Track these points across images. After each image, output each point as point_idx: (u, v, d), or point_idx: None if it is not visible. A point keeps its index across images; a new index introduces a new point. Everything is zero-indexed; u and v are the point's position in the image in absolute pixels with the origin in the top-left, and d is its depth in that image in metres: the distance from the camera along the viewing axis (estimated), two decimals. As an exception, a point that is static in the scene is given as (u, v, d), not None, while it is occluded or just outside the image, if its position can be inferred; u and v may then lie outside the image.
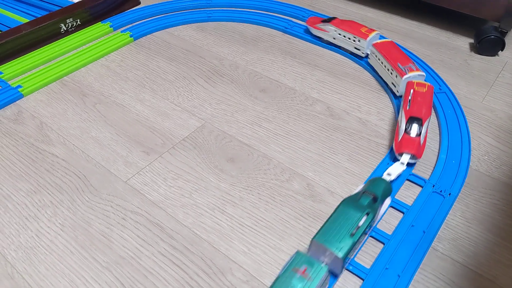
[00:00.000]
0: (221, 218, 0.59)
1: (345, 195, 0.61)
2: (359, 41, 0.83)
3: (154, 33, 0.95)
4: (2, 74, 0.81)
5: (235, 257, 0.54)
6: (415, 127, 0.65)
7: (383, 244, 0.55)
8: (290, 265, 0.48)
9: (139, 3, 1.04)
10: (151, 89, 0.80)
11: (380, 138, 0.71)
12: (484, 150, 0.68)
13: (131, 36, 0.91)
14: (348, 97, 0.78)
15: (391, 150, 0.67)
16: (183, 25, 0.97)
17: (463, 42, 0.93)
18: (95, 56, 0.85)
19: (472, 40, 0.93)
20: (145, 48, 0.90)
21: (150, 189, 0.62)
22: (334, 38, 0.88)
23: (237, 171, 0.65)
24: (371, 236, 0.56)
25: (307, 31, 0.93)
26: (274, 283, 0.47)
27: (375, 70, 0.82)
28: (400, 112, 0.69)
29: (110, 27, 0.93)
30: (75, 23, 0.91)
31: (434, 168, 0.65)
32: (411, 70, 0.74)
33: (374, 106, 0.76)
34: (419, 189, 0.62)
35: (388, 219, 0.58)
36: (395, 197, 0.61)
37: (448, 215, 0.59)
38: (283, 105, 0.77)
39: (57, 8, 0.92)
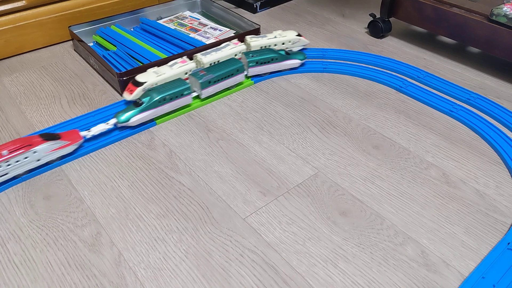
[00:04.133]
0: (333, 272, 0.60)
1: (462, 270, 0.60)
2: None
3: (272, 78, 1.01)
4: (139, 101, 0.91)
5: (351, 316, 0.55)
6: None
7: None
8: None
9: (258, 48, 1.12)
10: (268, 132, 0.85)
11: (499, 214, 0.68)
12: None
13: (252, 79, 0.98)
14: (464, 166, 0.77)
15: (511, 229, 0.65)
16: (300, 73, 1.03)
17: None
18: (220, 94, 0.93)
19: None
20: (264, 92, 0.97)
21: (266, 230, 0.66)
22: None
23: (350, 226, 0.66)
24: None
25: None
26: None
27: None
28: None
29: (233, 68, 1.02)
30: (203, 62, 1.01)
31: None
32: None
33: (493, 179, 0.74)
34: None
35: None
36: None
37: None
38: (397, 165, 0.77)
39: (189, 47, 1.03)
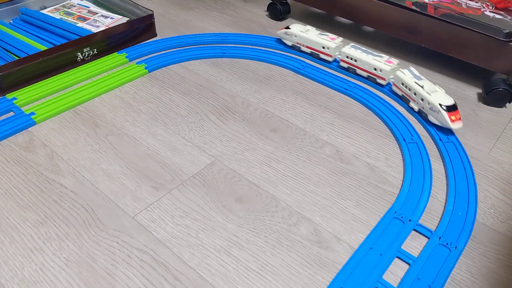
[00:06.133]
0: (227, 261, 0.58)
1: (352, 243, 0.61)
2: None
3: (168, 66, 0.96)
4: (16, 100, 0.82)
5: (241, 304, 0.53)
6: None
7: (391, 299, 0.54)
8: None
9: (156, 35, 1.06)
10: (163, 123, 0.81)
11: (388, 185, 0.71)
12: (491, 203, 0.68)
13: (146, 68, 0.93)
14: (357, 141, 0.79)
15: (398, 198, 0.67)
16: (198, 60, 0.99)
17: (472, 92, 0.94)
18: (110, 86, 0.87)
19: (480, 91, 0.95)
20: (159, 81, 0.92)
21: (157, 226, 0.62)
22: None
23: (245, 212, 0.65)
24: (378, 289, 0.55)
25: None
26: None
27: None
28: None
29: (126, 58, 0.95)
30: (91, 52, 0.93)
31: (440, 219, 0.65)
32: None
33: (383, 152, 0.77)
34: (425, 240, 0.62)
35: (394, 270, 0.58)
36: (402, 247, 0.60)
37: (453, 269, 0.58)
38: (293, 146, 0.77)
39: (76, 37, 0.95)
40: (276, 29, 1.12)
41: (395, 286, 0.55)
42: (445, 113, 0.78)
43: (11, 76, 0.84)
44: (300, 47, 1.00)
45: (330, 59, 0.97)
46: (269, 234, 0.62)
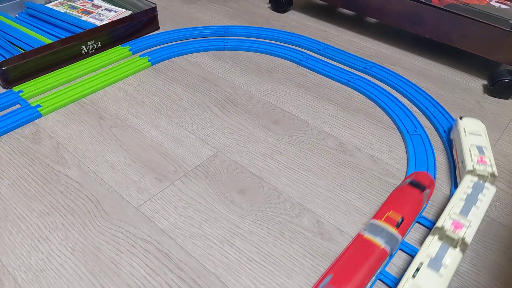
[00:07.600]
0: (229, 252, 0.59)
1: (355, 235, 0.62)
2: None
3: (171, 59, 0.97)
4: (23, 93, 0.83)
5: (242, 293, 0.54)
6: None
7: (392, 289, 0.55)
8: None
9: (159, 28, 1.07)
10: (167, 115, 0.81)
11: (391, 177, 0.71)
12: (496, 196, 0.68)
13: (149, 60, 0.93)
14: (360, 134, 0.79)
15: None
16: (200, 52, 0.99)
17: (477, 84, 0.94)
18: (114, 79, 0.87)
19: (486, 82, 0.94)
20: (162, 74, 0.92)
21: (161, 217, 0.63)
22: None
23: (247, 203, 0.66)
24: (379, 279, 0.55)
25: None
26: None
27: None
28: None
29: (130, 51, 0.96)
30: (95, 46, 0.94)
31: (444, 210, 0.65)
32: None
33: (386, 144, 0.77)
34: (428, 232, 0.62)
35: (396, 262, 0.58)
36: (405, 239, 0.61)
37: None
38: (295, 138, 0.78)
39: (80, 30, 0.95)
40: (279, 21, 1.12)
41: (398, 278, 0.55)
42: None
43: (17, 69, 0.84)
44: (453, 146, 0.76)
45: (458, 180, 0.69)
46: (271, 226, 0.62)
